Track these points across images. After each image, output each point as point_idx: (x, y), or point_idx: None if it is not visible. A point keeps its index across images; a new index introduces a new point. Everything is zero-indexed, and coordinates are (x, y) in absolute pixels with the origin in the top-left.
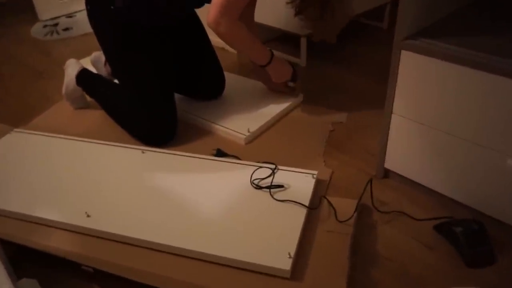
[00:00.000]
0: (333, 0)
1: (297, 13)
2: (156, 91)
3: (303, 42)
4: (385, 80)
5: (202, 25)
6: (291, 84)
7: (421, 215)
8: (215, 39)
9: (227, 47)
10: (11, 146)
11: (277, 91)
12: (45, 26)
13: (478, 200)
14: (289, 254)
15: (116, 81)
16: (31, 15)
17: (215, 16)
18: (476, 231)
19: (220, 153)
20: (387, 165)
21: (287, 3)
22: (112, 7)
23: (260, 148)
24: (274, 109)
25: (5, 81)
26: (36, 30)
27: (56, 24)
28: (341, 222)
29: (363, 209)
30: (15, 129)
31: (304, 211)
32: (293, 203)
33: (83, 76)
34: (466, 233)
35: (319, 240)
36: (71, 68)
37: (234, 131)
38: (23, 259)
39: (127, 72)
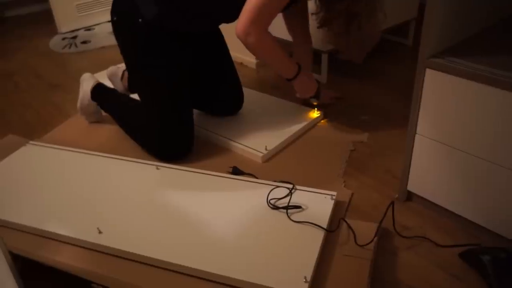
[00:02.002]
0: (360, 16)
1: (320, 25)
2: (176, 105)
3: (324, 58)
4: (409, 99)
5: (224, 40)
6: (313, 100)
7: (446, 241)
8: (234, 54)
9: (246, 62)
10: (26, 159)
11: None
12: (64, 38)
13: (507, 227)
14: (305, 278)
15: (131, 95)
16: (51, 27)
17: (244, 26)
18: (505, 260)
19: (236, 171)
20: (410, 187)
21: (312, 14)
22: (140, 19)
23: (277, 167)
24: (293, 126)
25: (21, 93)
26: (55, 42)
27: (75, 37)
28: (360, 246)
29: (384, 233)
30: (31, 142)
31: (322, 234)
32: (311, 225)
33: (98, 91)
34: (494, 262)
35: (337, 264)
36: (86, 83)
37: (251, 148)
38: (33, 274)
39: (148, 84)
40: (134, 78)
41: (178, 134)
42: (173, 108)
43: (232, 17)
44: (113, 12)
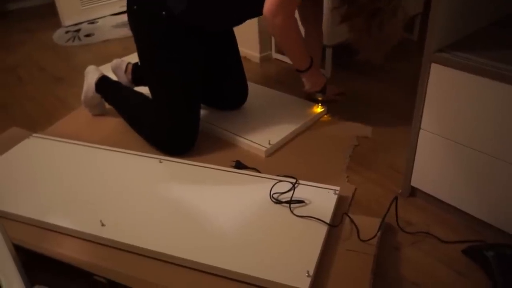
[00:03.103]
0: (383, 13)
1: (342, 20)
2: (189, 102)
3: (329, 52)
4: (414, 93)
5: (234, 35)
6: (319, 95)
7: (449, 237)
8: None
9: (250, 57)
10: (29, 151)
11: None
12: (67, 32)
13: (511, 223)
14: (307, 272)
15: (136, 88)
16: (54, 21)
17: (273, 6)
18: (510, 257)
19: (239, 165)
20: (414, 183)
21: (335, 8)
22: (163, 12)
23: (280, 161)
24: (297, 121)
25: (24, 86)
26: (58, 35)
27: (78, 30)
28: (363, 241)
29: (387, 228)
30: (34, 134)
31: (324, 228)
32: (314, 219)
33: (103, 83)
34: (498, 258)
35: (339, 259)
36: (91, 75)
37: (255, 143)
38: (35, 266)
39: (163, 79)
40: (147, 71)
41: (187, 131)
42: (185, 105)
43: (257, 14)
44: (133, 1)
